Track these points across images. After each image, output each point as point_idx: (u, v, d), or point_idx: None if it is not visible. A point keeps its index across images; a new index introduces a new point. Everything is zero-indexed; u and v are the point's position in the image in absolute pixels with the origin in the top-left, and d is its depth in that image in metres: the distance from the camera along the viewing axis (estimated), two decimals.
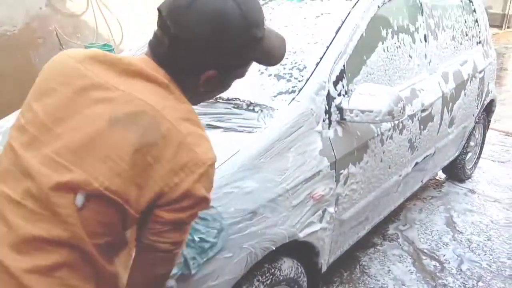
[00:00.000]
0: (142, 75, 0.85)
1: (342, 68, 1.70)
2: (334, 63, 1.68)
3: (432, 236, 2.64)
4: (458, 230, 2.70)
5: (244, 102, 1.58)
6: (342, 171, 1.67)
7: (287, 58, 1.72)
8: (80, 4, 4.34)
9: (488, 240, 2.60)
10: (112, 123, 0.79)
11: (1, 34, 3.54)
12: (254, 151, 1.40)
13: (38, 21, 3.70)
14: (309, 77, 1.63)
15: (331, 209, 1.66)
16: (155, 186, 0.80)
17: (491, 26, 3.41)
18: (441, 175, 3.36)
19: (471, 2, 2.92)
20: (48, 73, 0.89)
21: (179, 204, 0.82)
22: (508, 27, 11.04)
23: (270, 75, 1.71)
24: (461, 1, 2.81)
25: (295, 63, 1.71)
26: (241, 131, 1.48)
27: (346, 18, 1.83)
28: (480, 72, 2.84)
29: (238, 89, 1.27)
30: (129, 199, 0.80)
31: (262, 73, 1.73)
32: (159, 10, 0.86)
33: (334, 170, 1.62)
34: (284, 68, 1.71)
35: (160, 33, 0.86)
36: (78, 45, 4.35)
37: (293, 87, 1.62)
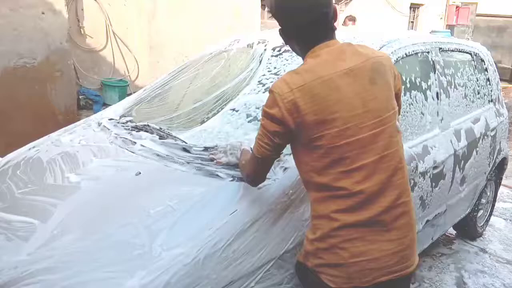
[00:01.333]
0: None
1: None
2: None
3: None
4: None
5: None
6: None
7: None
8: (99, 40, 4.49)
9: None
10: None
11: (21, 65, 3.64)
12: (264, 204, 1.39)
13: (58, 55, 3.82)
14: None
15: None
16: None
17: (500, 80, 3.43)
18: (452, 231, 3.28)
19: (483, 61, 2.96)
20: None
21: None
22: None
23: None
24: (473, 60, 2.85)
25: None
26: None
27: None
28: (492, 130, 2.83)
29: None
30: None
31: None
32: None
33: None
34: None
35: None
36: (95, 79, 4.46)
37: None
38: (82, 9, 4.29)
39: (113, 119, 2.19)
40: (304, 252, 1.31)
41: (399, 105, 1.36)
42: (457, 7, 12.75)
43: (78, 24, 4.27)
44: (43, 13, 3.65)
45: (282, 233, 1.42)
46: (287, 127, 1.17)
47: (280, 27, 1.27)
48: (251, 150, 1.34)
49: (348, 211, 1.19)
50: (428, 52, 2.31)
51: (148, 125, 1.99)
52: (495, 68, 3.12)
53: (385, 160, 1.20)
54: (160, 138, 1.85)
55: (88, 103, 4.27)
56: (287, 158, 1.55)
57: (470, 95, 2.70)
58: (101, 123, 2.15)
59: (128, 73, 4.75)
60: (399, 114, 1.34)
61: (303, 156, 1.22)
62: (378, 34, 2.20)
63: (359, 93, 1.18)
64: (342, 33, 2.33)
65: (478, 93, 2.83)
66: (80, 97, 4.22)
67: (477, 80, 2.84)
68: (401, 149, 1.27)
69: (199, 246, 1.27)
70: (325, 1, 1.22)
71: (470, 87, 2.72)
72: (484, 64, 2.96)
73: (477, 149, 2.63)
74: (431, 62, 2.34)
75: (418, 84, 2.18)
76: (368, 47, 1.30)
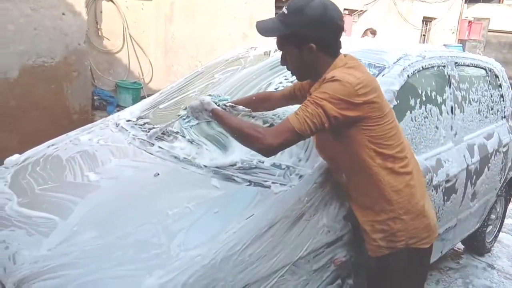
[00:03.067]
0: None
1: None
2: None
3: None
4: None
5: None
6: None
7: None
8: (116, 43, 4.56)
9: None
10: None
11: (40, 64, 3.71)
12: (280, 209, 1.41)
13: (76, 56, 3.88)
14: None
15: (350, 281, 1.62)
16: None
17: None
18: (460, 246, 3.27)
19: (497, 77, 2.97)
20: None
21: None
22: None
23: None
24: (488, 75, 2.87)
25: None
26: (267, 187, 1.50)
27: None
28: (504, 147, 2.83)
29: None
30: None
31: None
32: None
33: (356, 237, 1.60)
34: None
35: None
36: (109, 81, 4.53)
37: None
38: (101, 12, 4.37)
39: (130, 120, 2.23)
40: (389, 238, 1.45)
41: None
42: (469, 22, 12.75)
43: (96, 26, 4.35)
44: (63, 14, 3.73)
45: (297, 239, 1.44)
46: (354, 113, 1.30)
47: (299, 40, 1.36)
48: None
49: (415, 177, 1.45)
50: (444, 66, 2.33)
51: (165, 127, 2.02)
52: (509, 85, 3.13)
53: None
54: (176, 141, 1.88)
55: (102, 103, 4.32)
56: (303, 165, 1.58)
57: (483, 111, 2.71)
58: (118, 124, 2.19)
59: (142, 75, 4.81)
60: None
61: (370, 135, 1.36)
62: (396, 46, 2.22)
63: None
64: (366, 42, 2.36)
65: (492, 109, 2.83)
66: (95, 97, 4.28)
67: (491, 96, 2.85)
68: None
69: (216, 249, 1.30)
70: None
71: (484, 103, 2.73)
72: (498, 80, 2.97)
73: (489, 164, 2.64)
74: (447, 76, 2.36)
75: (433, 97, 2.20)
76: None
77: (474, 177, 2.47)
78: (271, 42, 2.85)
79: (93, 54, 4.32)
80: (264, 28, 1.41)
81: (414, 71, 2.04)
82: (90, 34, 4.16)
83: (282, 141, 1.30)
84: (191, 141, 1.86)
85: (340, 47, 1.41)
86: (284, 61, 1.44)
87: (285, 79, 2.15)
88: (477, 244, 3.12)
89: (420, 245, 1.47)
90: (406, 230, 1.43)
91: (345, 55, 1.42)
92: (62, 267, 1.29)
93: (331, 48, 1.38)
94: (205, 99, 1.56)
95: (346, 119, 1.31)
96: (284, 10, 1.37)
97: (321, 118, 1.27)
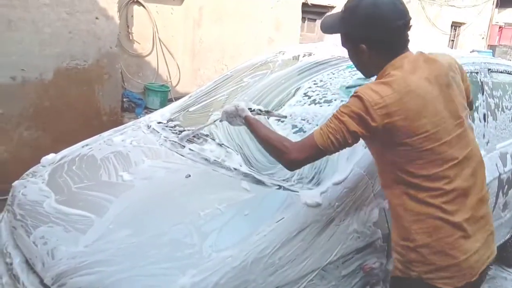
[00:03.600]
0: None
1: None
2: None
3: None
4: None
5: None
6: None
7: None
8: (145, 46, 4.67)
9: None
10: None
11: (74, 67, 3.83)
12: (310, 214, 1.42)
13: (107, 59, 3.99)
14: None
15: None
16: None
17: None
18: None
19: None
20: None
21: None
22: None
23: None
24: None
25: None
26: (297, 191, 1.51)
27: None
28: None
29: None
30: None
31: None
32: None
33: (386, 244, 1.59)
34: None
35: None
36: (138, 83, 4.63)
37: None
38: (132, 16, 4.48)
39: (161, 122, 2.28)
40: (404, 263, 1.32)
41: (469, 100, 1.49)
42: (500, 27, 12.42)
43: (127, 30, 4.46)
44: (97, 18, 3.84)
45: (327, 244, 1.44)
46: (372, 131, 1.22)
47: (353, 39, 1.32)
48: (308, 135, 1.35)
49: (448, 211, 1.26)
50: (477, 73, 2.29)
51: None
52: None
53: (470, 156, 1.31)
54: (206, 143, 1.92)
55: (131, 105, 4.43)
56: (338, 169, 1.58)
57: None
58: (150, 125, 2.24)
59: (170, 79, 4.90)
60: (470, 108, 1.49)
61: (393, 157, 1.28)
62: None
63: (440, 97, 1.28)
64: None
65: None
66: (124, 99, 4.38)
67: None
68: (476, 144, 1.38)
69: (247, 250, 1.32)
70: (406, 9, 1.30)
71: None
72: None
73: None
74: (480, 83, 2.32)
75: None
76: (434, 53, 1.38)
77: (506, 186, 2.41)
78: (299, 46, 2.87)
79: (124, 57, 4.43)
80: (324, 24, 1.42)
81: None
82: (121, 38, 4.27)
83: (306, 156, 1.29)
84: (220, 144, 1.90)
85: (401, 47, 1.31)
86: (349, 58, 1.42)
87: (314, 83, 2.16)
88: (507, 255, 3.03)
89: (437, 283, 1.28)
90: (423, 263, 1.28)
91: (406, 57, 1.30)
92: (98, 264, 1.34)
93: (384, 48, 1.30)
94: (240, 105, 1.54)
95: (365, 138, 1.28)
96: (343, 7, 1.35)
97: (344, 133, 1.24)
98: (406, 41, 1.31)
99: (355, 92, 1.25)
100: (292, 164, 1.34)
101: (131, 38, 4.51)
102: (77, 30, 3.75)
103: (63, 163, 2.02)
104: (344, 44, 1.38)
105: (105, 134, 2.29)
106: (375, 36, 1.28)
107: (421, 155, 1.24)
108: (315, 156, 1.30)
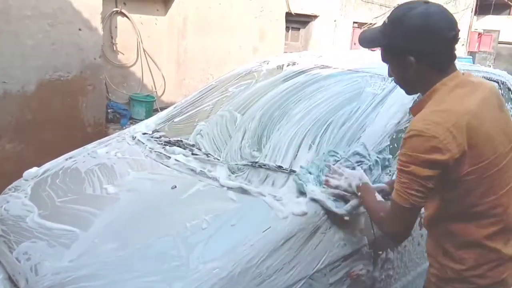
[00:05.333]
0: None
1: None
2: None
3: None
4: None
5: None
6: (380, 253, 1.65)
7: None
8: (130, 57, 4.65)
9: None
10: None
11: (57, 78, 3.80)
12: (296, 222, 1.43)
13: (91, 70, 3.97)
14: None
15: None
16: None
17: None
18: None
19: (510, 90, 2.96)
20: None
21: None
22: None
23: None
24: (500, 88, 2.84)
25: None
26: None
27: None
28: None
29: None
30: None
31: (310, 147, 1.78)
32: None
33: (372, 250, 1.60)
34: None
35: None
36: (123, 94, 4.60)
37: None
38: (116, 27, 4.46)
39: (146, 133, 2.27)
40: (443, 280, 1.29)
41: None
42: (479, 34, 12.73)
43: (111, 41, 4.43)
44: (80, 29, 3.82)
45: (313, 253, 1.45)
46: (446, 169, 1.14)
47: (399, 52, 1.23)
48: (383, 196, 1.37)
49: (498, 240, 1.23)
50: None
51: (181, 140, 2.05)
52: None
53: None
54: (192, 154, 1.92)
55: (115, 116, 4.39)
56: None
57: None
58: (135, 137, 2.23)
59: (155, 89, 4.88)
60: None
61: (445, 193, 1.22)
62: None
63: (496, 121, 1.23)
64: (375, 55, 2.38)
65: None
66: (109, 110, 4.34)
67: None
68: None
69: (234, 261, 1.31)
70: (455, 19, 1.24)
71: None
72: (511, 94, 2.96)
73: None
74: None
75: None
76: (474, 76, 1.31)
77: None
78: (283, 56, 2.89)
79: (108, 68, 4.40)
80: (363, 38, 1.34)
81: None
82: (105, 49, 4.25)
83: (402, 223, 1.23)
84: (207, 154, 1.89)
85: (451, 60, 1.24)
86: (389, 73, 1.33)
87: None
88: None
89: None
90: (462, 282, 1.26)
91: (463, 73, 1.25)
92: (84, 279, 1.32)
93: (436, 62, 1.22)
94: (363, 178, 1.48)
95: (440, 177, 1.17)
96: (386, 19, 1.27)
97: (418, 183, 1.15)
98: (454, 54, 1.25)
99: (407, 133, 1.16)
100: (398, 240, 1.40)
101: (115, 49, 4.49)
102: (60, 42, 3.72)
103: (46, 176, 1.99)
104: (385, 58, 1.30)
105: (90, 146, 2.27)
106: (426, 48, 1.19)
107: (480, 183, 1.18)
108: (409, 217, 1.22)
